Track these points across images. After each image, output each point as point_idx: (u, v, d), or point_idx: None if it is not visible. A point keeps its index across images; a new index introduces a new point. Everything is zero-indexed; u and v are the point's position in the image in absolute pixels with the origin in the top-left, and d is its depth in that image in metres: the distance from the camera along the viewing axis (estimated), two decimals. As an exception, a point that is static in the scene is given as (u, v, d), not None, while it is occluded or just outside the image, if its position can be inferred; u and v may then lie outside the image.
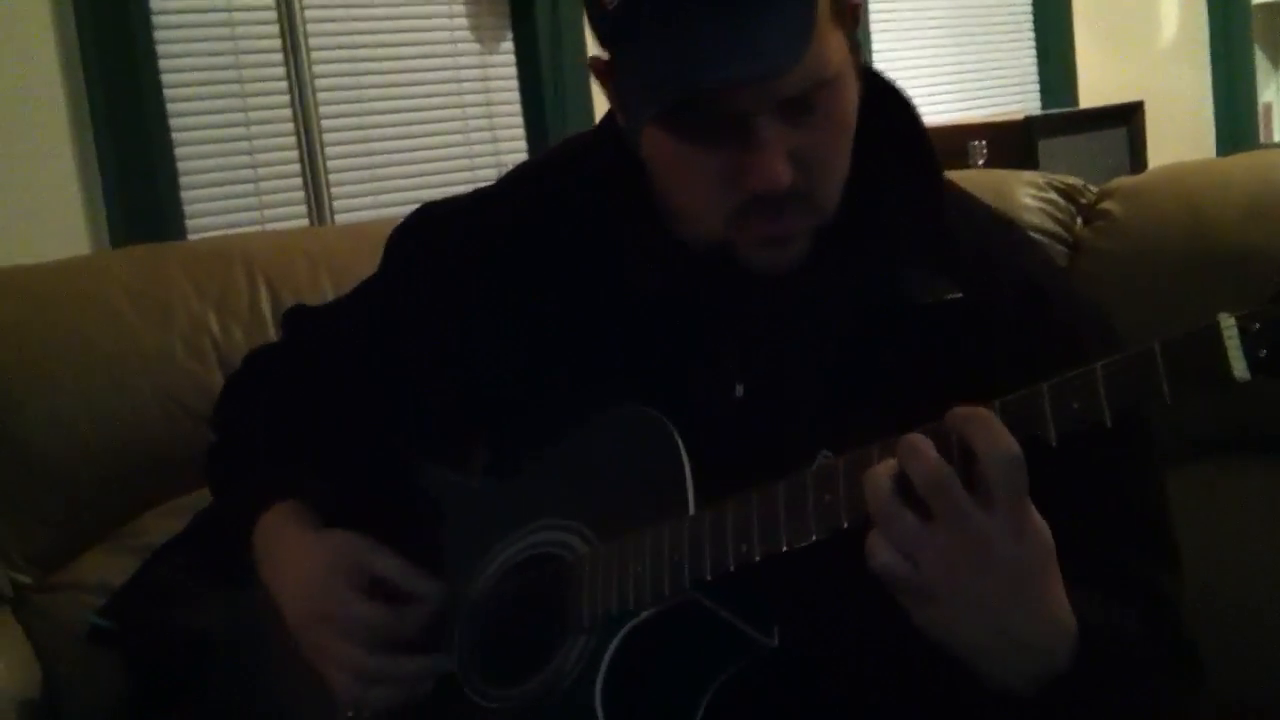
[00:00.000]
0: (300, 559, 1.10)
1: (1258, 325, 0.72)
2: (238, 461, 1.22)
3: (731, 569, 0.91)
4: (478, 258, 1.13)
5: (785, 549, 0.89)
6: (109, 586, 1.49)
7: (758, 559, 0.90)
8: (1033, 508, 0.84)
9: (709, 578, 0.92)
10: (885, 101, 1.06)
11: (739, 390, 1.04)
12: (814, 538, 0.88)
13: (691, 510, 0.95)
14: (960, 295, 1.02)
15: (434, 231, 1.19)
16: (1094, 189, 1.71)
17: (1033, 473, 0.82)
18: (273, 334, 1.72)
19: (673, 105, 0.93)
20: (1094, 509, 0.99)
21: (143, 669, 1.39)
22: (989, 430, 0.82)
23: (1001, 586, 0.84)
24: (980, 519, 0.83)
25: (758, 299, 1.04)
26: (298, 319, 1.29)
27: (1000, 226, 1.12)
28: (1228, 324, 0.73)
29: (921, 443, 0.83)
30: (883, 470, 0.84)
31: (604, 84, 1.04)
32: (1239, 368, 0.72)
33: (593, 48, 1.04)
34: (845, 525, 0.87)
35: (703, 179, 0.98)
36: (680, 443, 0.97)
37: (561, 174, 1.13)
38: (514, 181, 1.20)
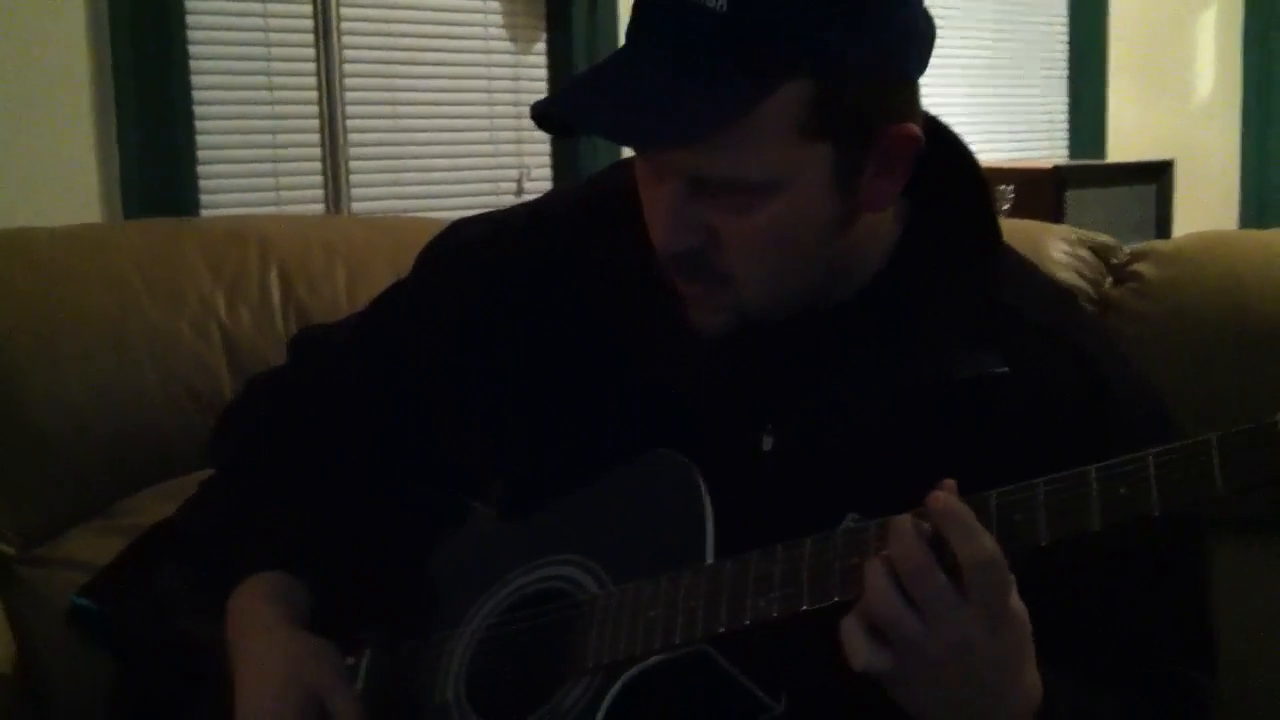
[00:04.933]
0: (262, 657, 1.06)
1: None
2: (234, 503, 1.19)
3: (747, 623, 0.88)
4: (506, 290, 1.11)
5: (805, 609, 0.86)
6: (94, 565, 1.44)
7: (775, 616, 0.87)
8: (1014, 596, 0.82)
9: (723, 630, 0.89)
10: (949, 159, 1.03)
11: (767, 443, 1.01)
12: (836, 600, 0.85)
13: (709, 559, 0.92)
14: (1006, 370, 0.98)
15: (466, 255, 1.16)
16: (1126, 249, 1.68)
17: (1070, 555, 0.80)
18: (279, 322, 1.69)
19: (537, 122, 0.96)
20: (1131, 599, 0.97)
21: (124, 655, 1.34)
22: (965, 532, 0.81)
23: (975, 678, 0.83)
24: (959, 613, 0.81)
25: (791, 350, 1.01)
26: (307, 345, 1.25)
27: (1062, 301, 1.09)
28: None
29: (906, 526, 0.82)
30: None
31: None
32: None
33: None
34: None
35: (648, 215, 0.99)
36: (704, 489, 0.95)
37: (597, 208, 1.09)
38: (549, 207, 1.17)
